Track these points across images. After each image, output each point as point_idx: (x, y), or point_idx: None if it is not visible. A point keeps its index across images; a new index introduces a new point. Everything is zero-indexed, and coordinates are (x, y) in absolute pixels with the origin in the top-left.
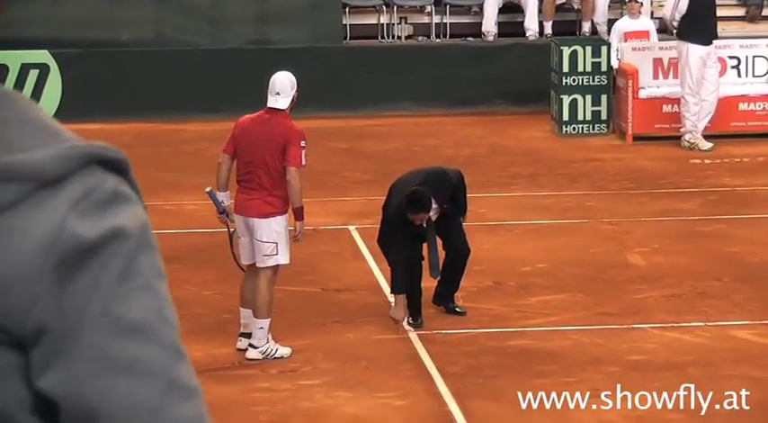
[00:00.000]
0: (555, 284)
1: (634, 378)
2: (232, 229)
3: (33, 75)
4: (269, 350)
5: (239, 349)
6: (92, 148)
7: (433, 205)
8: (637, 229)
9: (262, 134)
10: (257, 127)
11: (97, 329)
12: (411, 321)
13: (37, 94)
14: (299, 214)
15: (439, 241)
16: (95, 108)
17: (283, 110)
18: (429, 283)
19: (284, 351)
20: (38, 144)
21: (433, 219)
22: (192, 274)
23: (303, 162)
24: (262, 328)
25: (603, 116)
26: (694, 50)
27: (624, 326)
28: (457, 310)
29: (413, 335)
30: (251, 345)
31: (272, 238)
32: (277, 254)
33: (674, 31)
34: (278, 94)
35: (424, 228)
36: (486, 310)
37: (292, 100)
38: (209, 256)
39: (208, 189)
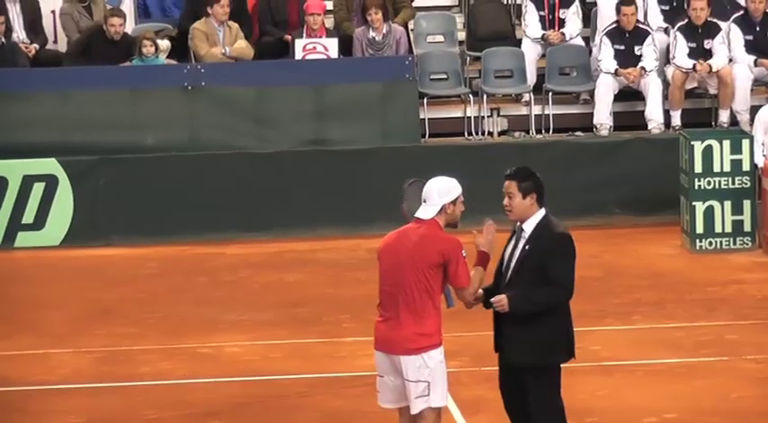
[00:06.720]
0: None
1: None
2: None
3: (38, 189)
4: None
5: None
6: None
7: (530, 199)
8: None
9: (408, 249)
10: (402, 242)
11: None
12: None
13: (43, 213)
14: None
15: None
16: (114, 229)
17: (428, 220)
18: None
19: None
20: None
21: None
22: None
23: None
24: None
25: (747, 227)
26: None
27: None
28: None
29: None
30: None
31: (423, 377)
32: (428, 394)
33: None
34: (425, 201)
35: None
36: None
37: (443, 210)
38: (256, 410)
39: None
